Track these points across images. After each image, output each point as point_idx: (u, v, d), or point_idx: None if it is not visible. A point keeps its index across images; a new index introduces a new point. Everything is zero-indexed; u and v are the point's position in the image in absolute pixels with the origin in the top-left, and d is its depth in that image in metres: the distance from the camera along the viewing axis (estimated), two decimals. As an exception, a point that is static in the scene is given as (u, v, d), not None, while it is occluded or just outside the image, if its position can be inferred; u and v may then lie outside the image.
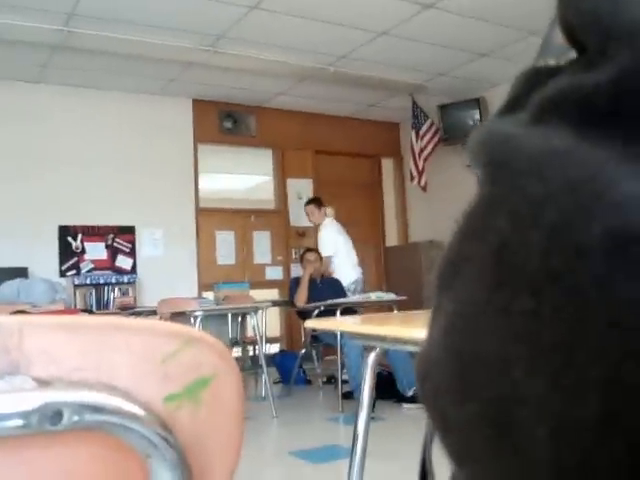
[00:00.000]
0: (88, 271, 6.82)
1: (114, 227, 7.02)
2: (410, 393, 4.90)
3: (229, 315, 5.73)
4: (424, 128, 7.82)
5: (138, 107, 7.22)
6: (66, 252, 6.76)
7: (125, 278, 6.86)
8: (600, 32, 0.24)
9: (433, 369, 0.26)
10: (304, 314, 5.64)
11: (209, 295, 6.49)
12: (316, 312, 5.39)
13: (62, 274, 6.65)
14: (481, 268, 0.24)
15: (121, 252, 7.07)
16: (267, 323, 6.39)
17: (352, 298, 5.82)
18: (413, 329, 1.49)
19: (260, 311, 5.71)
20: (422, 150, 7.82)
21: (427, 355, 0.27)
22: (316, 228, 7.12)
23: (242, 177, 8.78)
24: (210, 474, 0.57)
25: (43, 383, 0.49)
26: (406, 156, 8.67)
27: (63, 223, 6.73)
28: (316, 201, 6.96)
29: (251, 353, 6.64)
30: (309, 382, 6.42)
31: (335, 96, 7.73)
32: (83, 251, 6.85)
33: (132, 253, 7.13)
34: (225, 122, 7.79)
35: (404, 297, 5.58)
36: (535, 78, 0.28)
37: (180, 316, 4.81)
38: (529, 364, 0.21)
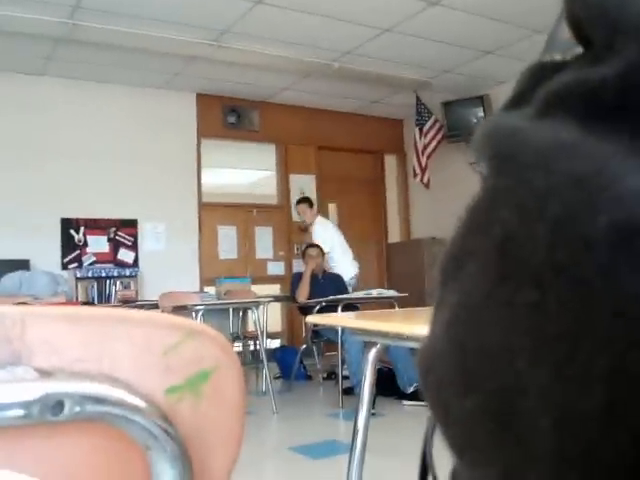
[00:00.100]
0: (90, 264, 6.83)
1: (116, 220, 7.02)
2: (410, 390, 4.91)
3: (230, 310, 5.74)
4: (428, 125, 7.81)
5: (142, 101, 7.22)
6: (68, 245, 6.76)
7: (127, 271, 6.87)
8: (607, 25, 0.24)
9: (436, 362, 0.26)
10: (305, 309, 5.65)
11: (211, 290, 6.48)
12: (317, 308, 5.39)
13: (64, 267, 6.66)
14: (485, 261, 0.24)
15: (123, 245, 7.07)
16: (268, 318, 6.39)
17: (353, 294, 5.83)
18: (414, 325, 1.49)
19: (261, 306, 5.71)
20: (425, 147, 7.82)
21: (430, 348, 0.27)
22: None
23: (245, 172, 8.77)
24: (210, 467, 0.57)
25: (45, 373, 0.49)
26: (409, 153, 8.67)
27: (65, 216, 6.74)
28: (307, 200, 7.13)
29: (252, 348, 6.64)
30: (309, 377, 6.43)
31: (339, 92, 7.72)
32: (85, 244, 6.86)
33: (134, 246, 7.13)
34: (229, 117, 7.79)
35: (406, 294, 5.58)
36: (541, 73, 0.28)
37: (181, 310, 4.81)
38: (533, 355, 0.21)
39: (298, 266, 7.26)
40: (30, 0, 5.01)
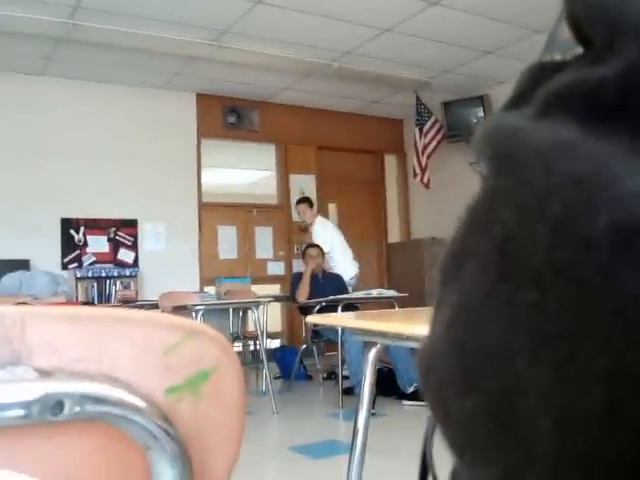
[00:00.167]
0: (90, 264, 6.83)
1: (116, 220, 7.02)
2: (410, 390, 4.91)
3: (230, 310, 5.74)
4: (428, 125, 7.81)
5: (142, 101, 7.22)
6: (68, 245, 6.76)
7: (127, 271, 6.87)
8: (607, 25, 0.24)
9: (436, 361, 0.26)
10: (305, 309, 5.65)
11: (211, 290, 6.49)
12: (317, 307, 5.39)
13: (64, 267, 6.66)
14: (485, 261, 0.24)
15: (123, 245, 7.07)
16: (268, 318, 6.39)
17: (353, 294, 5.83)
18: (414, 325, 1.49)
19: (261, 306, 5.72)
20: (425, 147, 7.82)
21: (430, 348, 0.27)
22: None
23: (245, 172, 8.77)
24: (210, 467, 0.57)
25: (45, 373, 0.49)
26: (409, 153, 8.67)
27: (65, 216, 6.74)
28: (307, 200, 7.14)
29: (252, 348, 6.64)
30: (309, 377, 6.43)
31: (339, 92, 7.72)
32: (85, 244, 6.86)
33: (134, 247, 7.13)
34: (229, 117, 7.79)
35: (405, 294, 5.58)
36: (541, 73, 0.28)
37: (181, 310, 4.81)
38: (533, 355, 0.21)
39: (298, 266, 7.26)
40: (30, 0, 5.01)
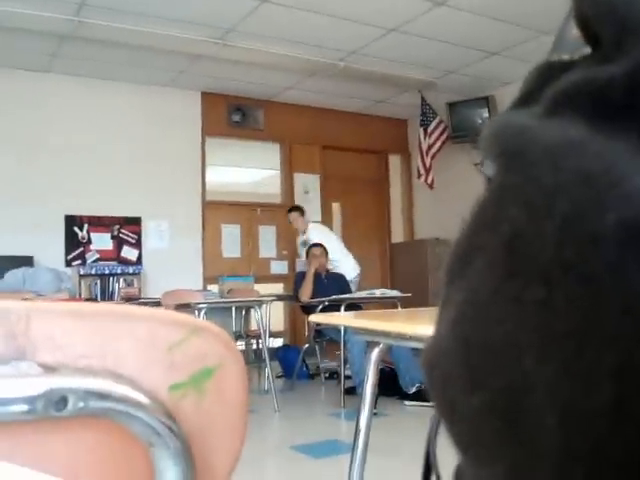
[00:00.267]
0: (94, 261, 6.84)
1: (120, 218, 7.03)
2: (413, 390, 4.90)
3: (233, 308, 5.74)
4: (432, 125, 7.80)
5: (147, 99, 7.23)
6: (72, 242, 6.78)
7: (130, 269, 6.87)
8: (615, 22, 0.24)
9: (442, 359, 0.26)
10: (308, 309, 5.65)
11: (214, 288, 6.50)
12: (320, 307, 5.40)
13: (68, 264, 6.68)
14: (493, 258, 0.24)
15: (127, 243, 7.08)
16: (271, 317, 6.40)
17: (356, 294, 5.83)
18: (417, 325, 1.49)
19: (264, 305, 5.72)
20: (430, 147, 7.81)
21: (435, 346, 0.27)
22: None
23: (249, 171, 8.77)
24: (213, 464, 0.57)
25: (49, 369, 0.49)
26: (414, 153, 8.67)
27: (69, 213, 6.75)
28: (298, 209, 7.14)
29: (254, 347, 6.65)
30: (312, 377, 6.43)
31: (344, 92, 7.71)
32: (89, 241, 6.87)
33: (138, 244, 7.14)
34: (233, 115, 7.79)
35: (409, 294, 5.58)
36: (548, 72, 0.28)
37: (184, 308, 4.82)
38: (540, 352, 0.21)
39: (301, 265, 7.26)
40: (36, -3, 5.02)
